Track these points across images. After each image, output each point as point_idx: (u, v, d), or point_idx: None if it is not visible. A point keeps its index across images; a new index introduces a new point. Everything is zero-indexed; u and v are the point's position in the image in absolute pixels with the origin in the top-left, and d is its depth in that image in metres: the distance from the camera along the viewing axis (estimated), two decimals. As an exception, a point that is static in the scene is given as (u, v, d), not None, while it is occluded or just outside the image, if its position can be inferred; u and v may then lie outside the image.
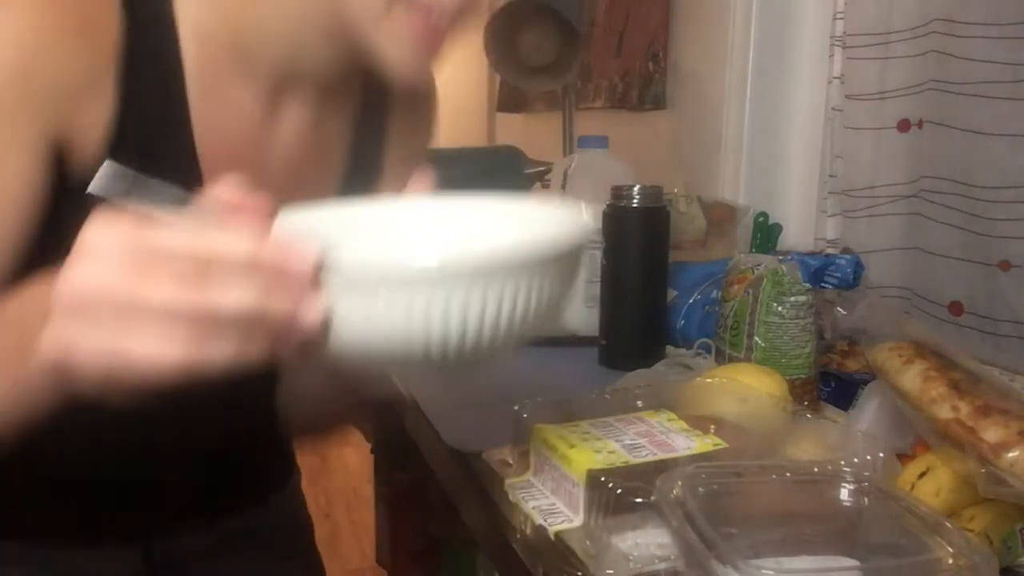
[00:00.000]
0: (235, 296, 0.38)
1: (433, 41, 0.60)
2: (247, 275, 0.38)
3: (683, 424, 0.69)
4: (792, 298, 0.93)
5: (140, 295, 0.37)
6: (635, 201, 1.09)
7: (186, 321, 0.37)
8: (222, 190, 0.41)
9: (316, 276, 0.40)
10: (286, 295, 0.39)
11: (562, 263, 0.45)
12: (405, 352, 0.43)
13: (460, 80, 3.54)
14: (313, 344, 0.41)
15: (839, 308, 0.96)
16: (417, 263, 0.41)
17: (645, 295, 1.11)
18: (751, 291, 0.95)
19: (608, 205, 1.12)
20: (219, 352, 0.38)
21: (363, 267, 0.41)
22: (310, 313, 0.40)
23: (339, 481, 3.26)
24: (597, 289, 1.15)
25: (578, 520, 0.61)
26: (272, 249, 0.39)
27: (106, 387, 0.39)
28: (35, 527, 0.71)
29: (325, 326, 0.41)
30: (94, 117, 0.59)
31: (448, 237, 0.54)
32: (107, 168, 0.59)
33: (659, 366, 1.05)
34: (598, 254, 1.16)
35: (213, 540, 0.79)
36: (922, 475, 0.66)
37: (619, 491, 0.59)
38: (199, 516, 0.77)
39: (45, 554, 0.71)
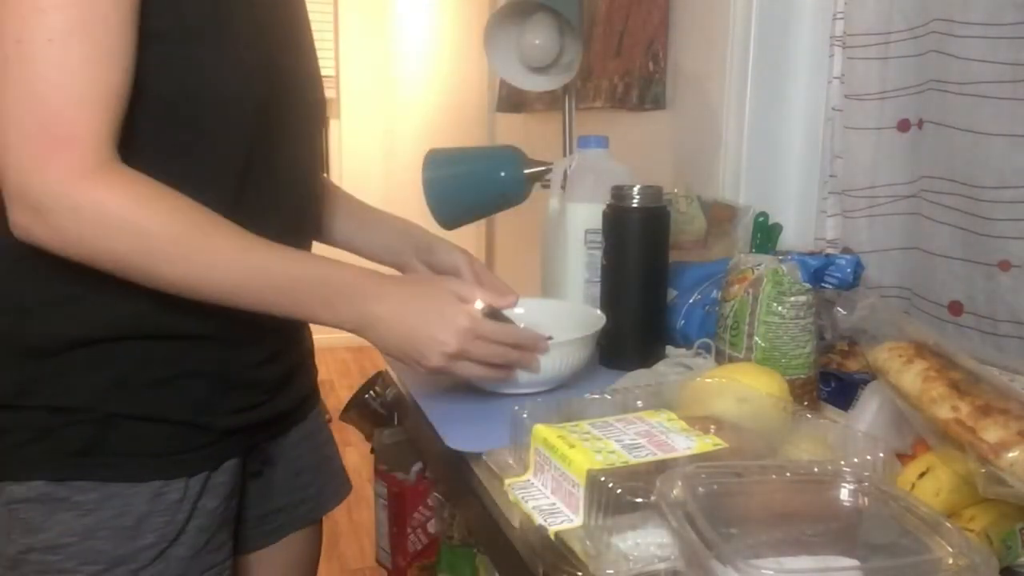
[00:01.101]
0: (511, 357, 0.91)
1: None
2: (516, 348, 0.91)
3: (683, 424, 0.69)
4: (792, 298, 0.93)
5: (478, 352, 0.87)
6: (635, 201, 1.09)
7: (491, 364, 0.89)
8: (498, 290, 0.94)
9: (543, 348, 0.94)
10: (531, 356, 0.94)
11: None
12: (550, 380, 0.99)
13: (460, 80, 3.54)
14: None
15: (839, 308, 0.96)
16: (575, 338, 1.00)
17: (645, 295, 1.11)
18: (751, 291, 0.95)
19: (608, 205, 1.11)
20: (496, 376, 0.92)
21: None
22: (536, 362, 0.94)
23: (339, 481, 3.26)
24: (598, 289, 1.16)
25: (578, 520, 0.61)
26: (529, 337, 0.93)
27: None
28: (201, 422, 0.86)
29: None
30: None
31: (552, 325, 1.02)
32: None
33: (659, 366, 1.05)
34: (598, 254, 1.16)
35: (278, 447, 1.00)
36: (922, 475, 0.67)
37: (619, 491, 0.59)
38: (290, 418, 1.00)
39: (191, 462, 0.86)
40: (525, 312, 1.10)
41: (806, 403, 0.93)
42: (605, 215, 1.12)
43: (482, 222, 3.05)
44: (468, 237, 2.99)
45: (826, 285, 0.98)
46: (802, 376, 0.94)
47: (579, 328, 1.02)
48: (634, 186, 1.10)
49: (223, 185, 0.83)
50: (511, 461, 0.74)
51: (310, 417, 1.05)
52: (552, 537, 0.62)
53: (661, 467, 0.61)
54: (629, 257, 1.10)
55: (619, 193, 1.10)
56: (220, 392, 0.87)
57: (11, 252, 0.79)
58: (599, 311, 1.09)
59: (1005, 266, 1.04)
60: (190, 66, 0.79)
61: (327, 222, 1.09)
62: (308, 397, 1.04)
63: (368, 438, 1.29)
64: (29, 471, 0.81)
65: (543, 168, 1.53)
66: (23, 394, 0.81)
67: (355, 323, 0.84)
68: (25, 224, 0.73)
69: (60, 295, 0.81)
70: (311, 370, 1.05)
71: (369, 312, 0.84)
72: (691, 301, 1.18)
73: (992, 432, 0.61)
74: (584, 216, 1.20)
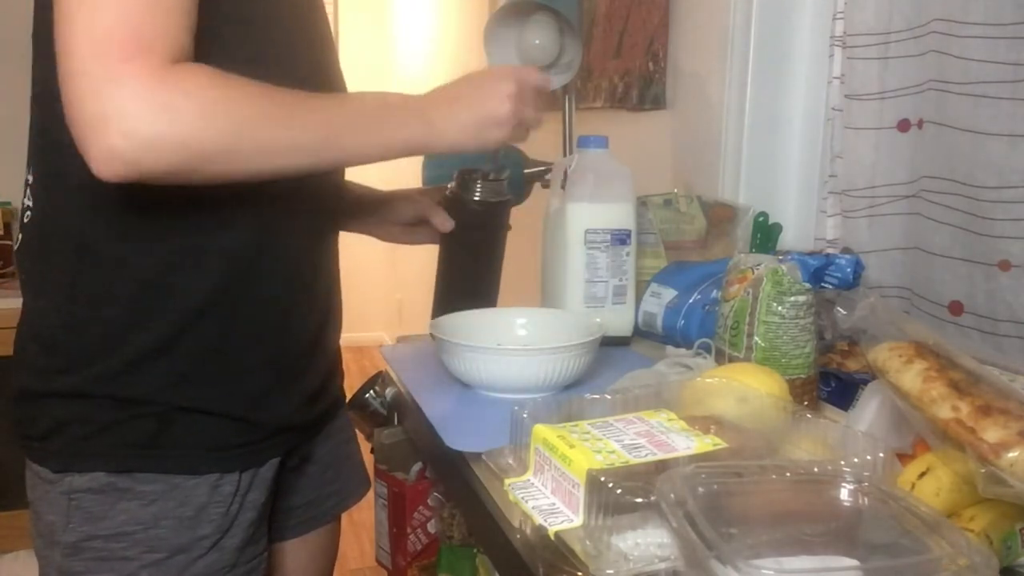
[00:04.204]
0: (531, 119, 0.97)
1: None
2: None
3: (683, 424, 0.69)
4: (792, 298, 0.93)
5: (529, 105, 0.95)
6: (477, 195, 1.15)
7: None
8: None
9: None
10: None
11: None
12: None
13: (460, 80, 3.54)
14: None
15: (839, 308, 0.96)
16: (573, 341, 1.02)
17: (476, 284, 1.16)
18: (751, 291, 0.95)
19: (450, 190, 1.17)
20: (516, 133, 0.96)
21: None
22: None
23: (339, 481, 3.25)
24: (627, 286, 1.19)
25: (578, 520, 0.61)
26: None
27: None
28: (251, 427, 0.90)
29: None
30: None
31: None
32: None
33: (659, 366, 1.05)
34: (598, 254, 1.17)
35: (312, 444, 1.04)
36: (922, 475, 0.67)
37: (619, 491, 0.59)
38: (325, 418, 1.05)
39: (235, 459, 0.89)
40: (526, 321, 1.16)
41: (806, 403, 0.93)
42: (446, 199, 1.17)
43: (482, 222, 3.04)
44: (468, 237, 2.98)
45: (826, 285, 0.98)
46: (802, 376, 0.94)
47: (578, 335, 1.04)
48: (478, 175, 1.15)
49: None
50: (511, 461, 0.74)
51: (338, 416, 1.10)
52: (552, 537, 0.62)
53: (661, 467, 0.61)
54: (466, 247, 1.16)
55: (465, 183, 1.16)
56: (274, 390, 0.91)
57: (78, 238, 0.81)
58: (599, 319, 1.11)
59: (1005, 266, 1.04)
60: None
61: None
62: (338, 398, 1.10)
63: (368, 438, 1.29)
64: (91, 464, 0.84)
65: (543, 168, 1.53)
66: (91, 384, 0.83)
67: (422, 130, 0.87)
68: (119, 149, 0.68)
69: (132, 284, 0.82)
70: (341, 372, 1.09)
71: (429, 116, 0.87)
72: (691, 301, 1.18)
73: (992, 432, 0.61)
74: (584, 216, 1.20)
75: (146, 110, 0.68)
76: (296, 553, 1.08)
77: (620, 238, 1.21)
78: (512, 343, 1.10)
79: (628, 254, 1.22)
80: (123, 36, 0.68)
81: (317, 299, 0.96)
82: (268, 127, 0.76)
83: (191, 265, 0.83)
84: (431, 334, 1.05)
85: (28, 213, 0.86)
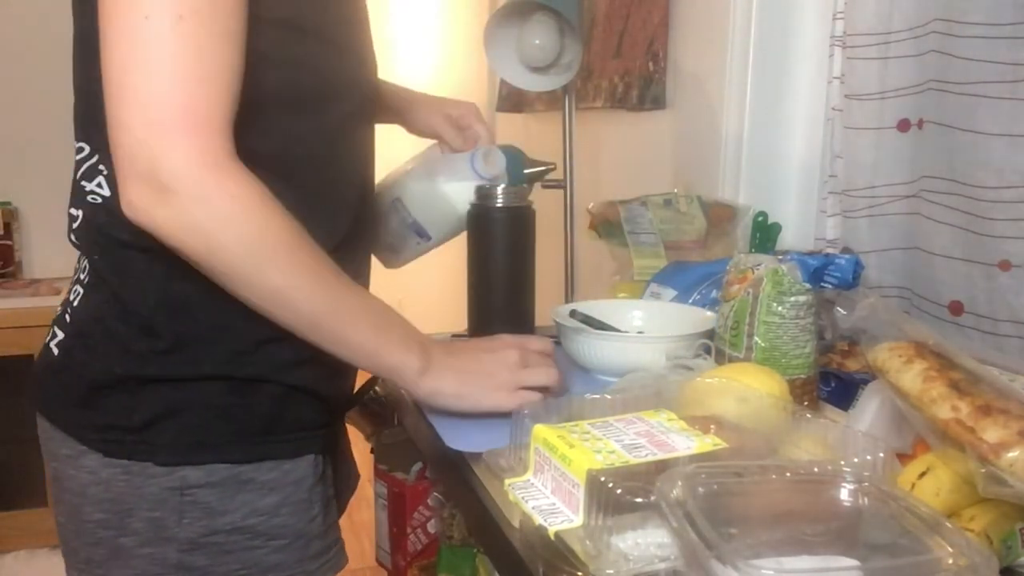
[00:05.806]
0: (540, 376, 0.87)
1: None
2: (544, 365, 0.89)
3: (683, 424, 0.69)
4: (792, 298, 0.93)
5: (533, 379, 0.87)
6: (499, 201, 1.11)
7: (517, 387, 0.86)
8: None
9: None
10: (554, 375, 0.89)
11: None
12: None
13: (460, 80, 3.54)
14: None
15: (839, 308, 0.96)
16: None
17: (511, 296, 1.12)
18: (751, 291, 0.95)
19: (473, 205, 1.13)
20: (525, 401, 0.82)
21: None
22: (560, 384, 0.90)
23: (339, 481, 3.25)
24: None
25: (578, 520, 0.61)
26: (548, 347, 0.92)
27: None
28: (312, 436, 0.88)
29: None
30: None
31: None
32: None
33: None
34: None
35: None
36: (922, 475, 0.67)
37: (619, 491, 0.59)
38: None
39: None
40: (643, 314, 1.18)
41: (806, 403, 0.93)
42: (470, 215, 1.13)
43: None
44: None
45: (826, 285, 0.98)
46: (802, 376, 0.94)
47: (688, 327, 1.06)
48: (498, 186, 1.12)
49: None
50: (511, 461, 0.74)
51: None
52: (552, 537, 0.62)
53: (661, 467, 0.61)
54: (495, 258, 1.12)
55: (483, 193, 1.12)
56: (342, 366, 0.88)
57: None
58: (708, 312, 1.10)
59: (1005, 266, 1.04)
60: (300, 59, 0.79)
61: None
62: None
63: (368, 438, 1.29)
64: (211, 455, 0.79)
65: (543, 168, 1.53)
66: (204, 366, 0.79)
67: (418, 362, 0.83)
68: (145, 205, 0.69)
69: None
70: None
71: (430, 352, 0.84)
72: (691, 301, 1.18)
73: (992, 432, 0.61)
74: None
75: (187, 192, 0.69)
76: None
77: None
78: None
79: None
80: (180, 109, 0.68)
81: None
82: (279, 271, 0.74)
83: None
84: (555, 321, 1.08)
85: (96, 197, 0.80)
